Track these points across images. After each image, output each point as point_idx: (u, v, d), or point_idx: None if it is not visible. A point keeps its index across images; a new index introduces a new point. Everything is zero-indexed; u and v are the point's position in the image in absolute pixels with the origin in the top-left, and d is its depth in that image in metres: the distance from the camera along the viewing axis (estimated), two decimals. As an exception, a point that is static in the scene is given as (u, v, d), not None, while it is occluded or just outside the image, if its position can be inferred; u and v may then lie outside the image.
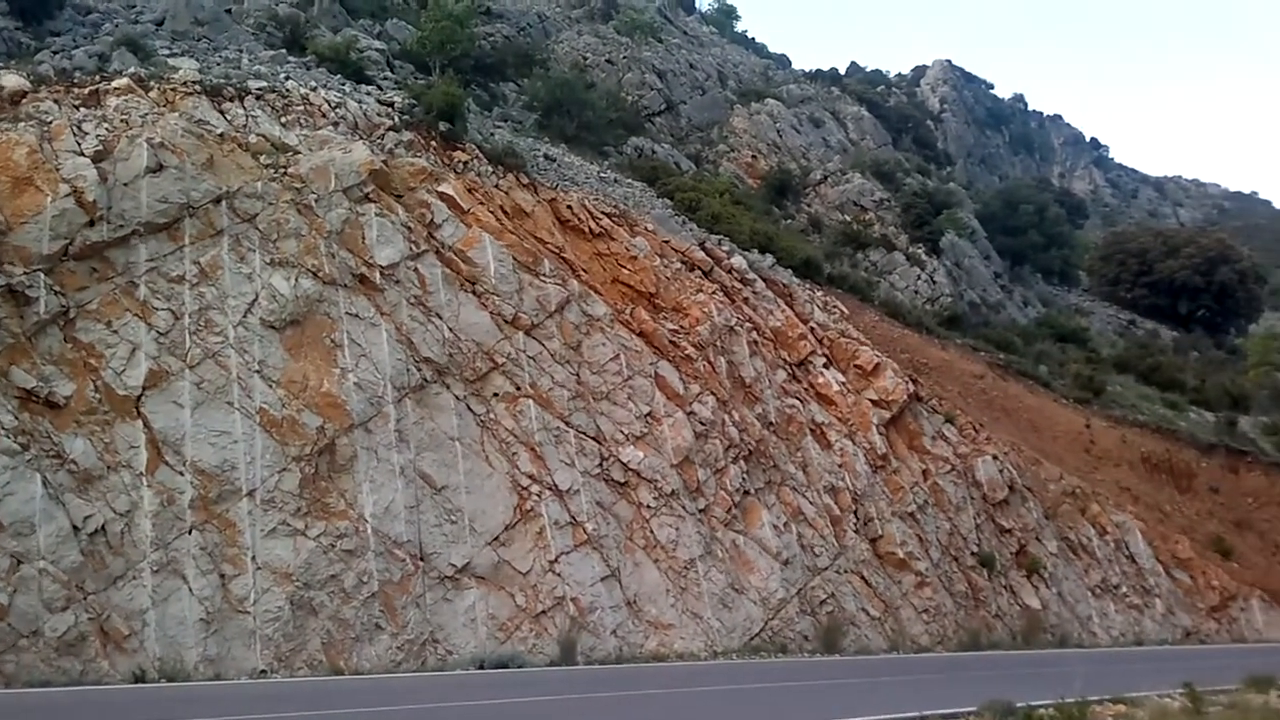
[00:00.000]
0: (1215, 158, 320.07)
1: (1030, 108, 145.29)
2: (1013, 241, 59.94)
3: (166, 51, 25.38)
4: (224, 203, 20.10)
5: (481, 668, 17.17)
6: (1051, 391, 39.06)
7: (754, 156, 52.24)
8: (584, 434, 22.32)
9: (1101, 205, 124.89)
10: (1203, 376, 52.59)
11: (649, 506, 22.34)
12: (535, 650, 19.05)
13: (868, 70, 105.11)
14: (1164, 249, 70.11)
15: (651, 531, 22.08)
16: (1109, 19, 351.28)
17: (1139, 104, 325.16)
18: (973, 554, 28.39)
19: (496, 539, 19.96)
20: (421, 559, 19.00)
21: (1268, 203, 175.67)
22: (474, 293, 22.37)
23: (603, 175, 33.47)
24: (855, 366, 30.09)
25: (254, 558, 17.38)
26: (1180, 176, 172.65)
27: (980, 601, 27.70)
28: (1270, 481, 42.10)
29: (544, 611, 19.74)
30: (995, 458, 31.00)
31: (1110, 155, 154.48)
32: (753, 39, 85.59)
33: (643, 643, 20.62)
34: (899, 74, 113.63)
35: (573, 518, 21.07)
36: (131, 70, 22.47)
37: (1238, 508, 39.96)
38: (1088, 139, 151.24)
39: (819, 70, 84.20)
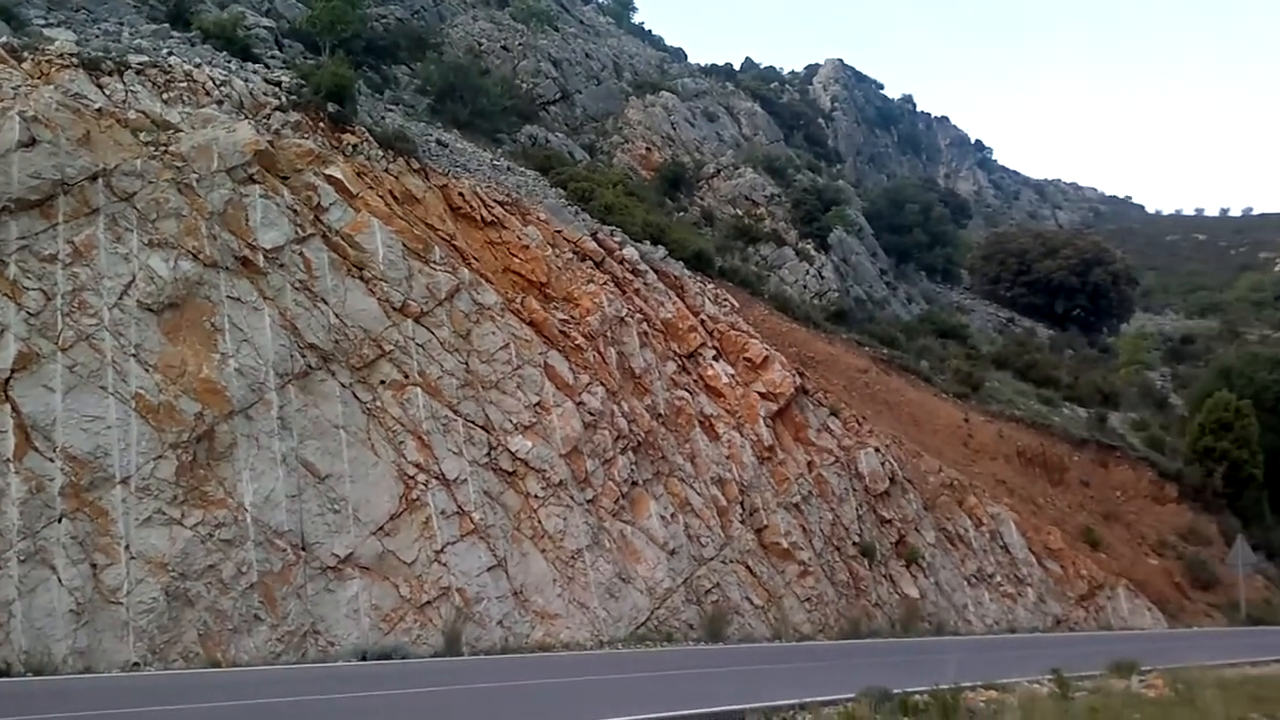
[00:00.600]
0: (1093, 162, 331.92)
1: (918, 109, 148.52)
2: (898, 239, 61.36)
3: (42, 21, 24.45)
4: (100, 180, 19.40)
5: (364, 659, 16.92)
6: (932, 386, 40.09)
7: (648, 148, 52.48)
8: (472, 423, 22.16)
9: (984, 206, 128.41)
10: (1076, 374, 54.54)
11: (537, 496, 22.29)
12: (420, 641, 18.85)
13: (762, 67, 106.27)
14: (1043, 250, 72.49)
15: (539, 521, 22.04)
16: (996, 24, 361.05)
17: (1022, 108, 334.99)
18: (854, 544, 28.97)
19: (381, 529, 19.69)
20: (303, 549, 18.65)
21: (1141, 207, 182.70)
22: (362, 278, 22.01)
23: (496, 163, 33.26)
24: (744, 359, 30.46)
25: (127, 547, 16.84)
26: (1060, 180, 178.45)
27: (861, 590, 28.29)
28: (1137, 475, 43.88)
29: (429, 602, 19.54)
30: (877, 450, 31.68)
31: (994, 157, 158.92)
32: (649, 31, 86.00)
33: (529, 633, 20.57)
34: (792, 72, 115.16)
35: (460, 507, 20.91)
36: (3, 40, 21.57)
37: (1107, 500, 41.57)
38: (973, 141, 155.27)
39: (714, 65, 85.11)
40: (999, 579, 32.77)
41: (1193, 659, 16.65)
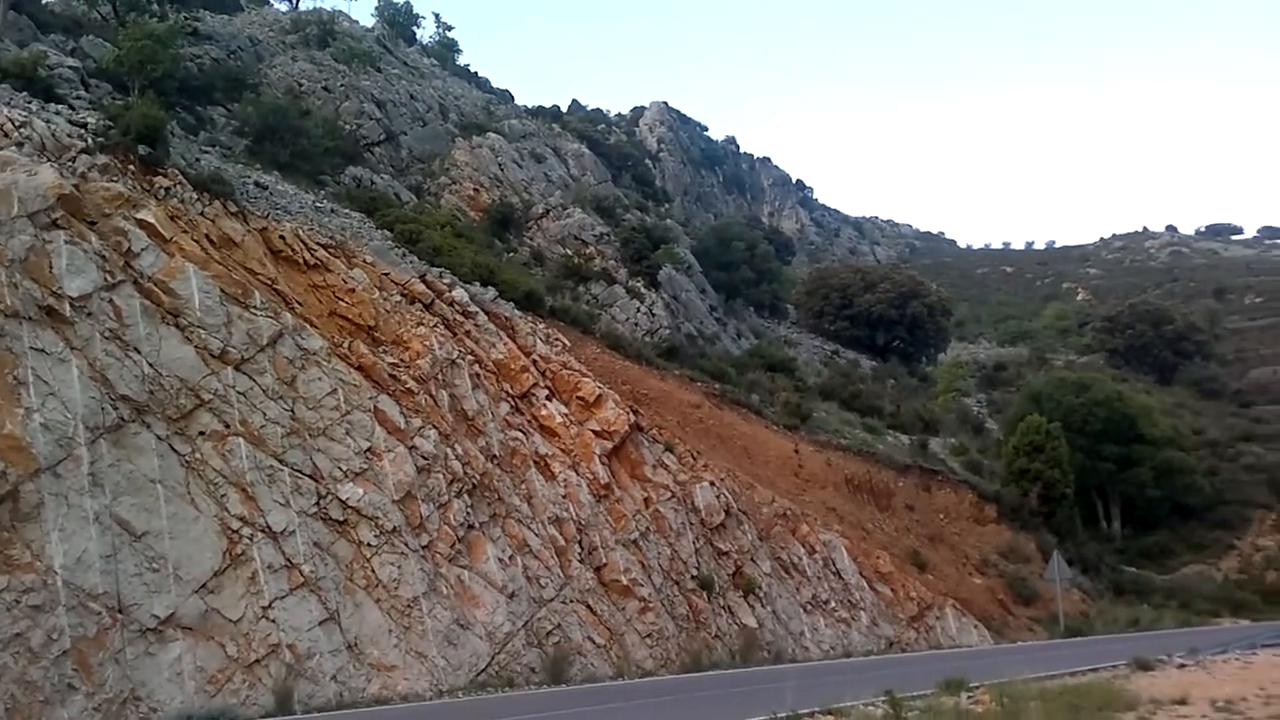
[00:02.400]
0: (908, 200, 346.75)
1: (741, 150, 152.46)
2: (726, 276, 62.62)
3: None
4: (-115, 227, 18.13)
5: (188, 724, 16.11)
6: (763, 419, 40.89)
7: (476, 189, 52.23)
8: (300, 472, 21.45)
9: (807, 243, 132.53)
10: (898, 402, 56.54)
11: (370, 545, 21.69)
12: (249, 702, 18.06)
13: (588, 109, 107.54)
14: (863, 284, 75.14)
15: (373, 570, 21.44)
16: (814, 68, 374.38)
17: (840, 149, 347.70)
18: (693, 577, 29.18)
19: (204, 586, 18.82)
20: (120, 611, 17.66)
21: (953, 242, 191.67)
22: (177, 326, 21.13)
23: (319, 205, 32.51)
24: (578, 398, 30.45)
25: (-78, 620, 15.64)
26: (877, 217, 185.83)
27: (701, 623, 28.48)
28: (959, 498, 45.67)
29: (258, 660, 18.75)
30: (712, 484, 32.07)
31: (815, 196, 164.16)
32: (475, 73, 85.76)
33: (365, 686, 19.94)
34: (619, 114, 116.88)
35: (288, 560, 20.16)
36: None
37: (931, 523, 43.09)
38: (794, 180, 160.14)
39: (541, 107, 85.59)
40: (833, 604, 33.49)
41: (1017, 673, 17.30)
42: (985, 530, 45.25)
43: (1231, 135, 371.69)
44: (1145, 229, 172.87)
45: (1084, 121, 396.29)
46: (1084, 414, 56.48)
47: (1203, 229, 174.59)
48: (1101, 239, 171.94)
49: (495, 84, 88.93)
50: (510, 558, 24.40)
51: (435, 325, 27.47)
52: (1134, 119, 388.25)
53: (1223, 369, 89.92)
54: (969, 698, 17.07)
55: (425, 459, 23.88)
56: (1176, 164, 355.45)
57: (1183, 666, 22.98)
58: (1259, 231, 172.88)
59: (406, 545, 22.25)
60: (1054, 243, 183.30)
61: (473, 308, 29.97)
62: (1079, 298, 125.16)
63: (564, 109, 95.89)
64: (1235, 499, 62.41)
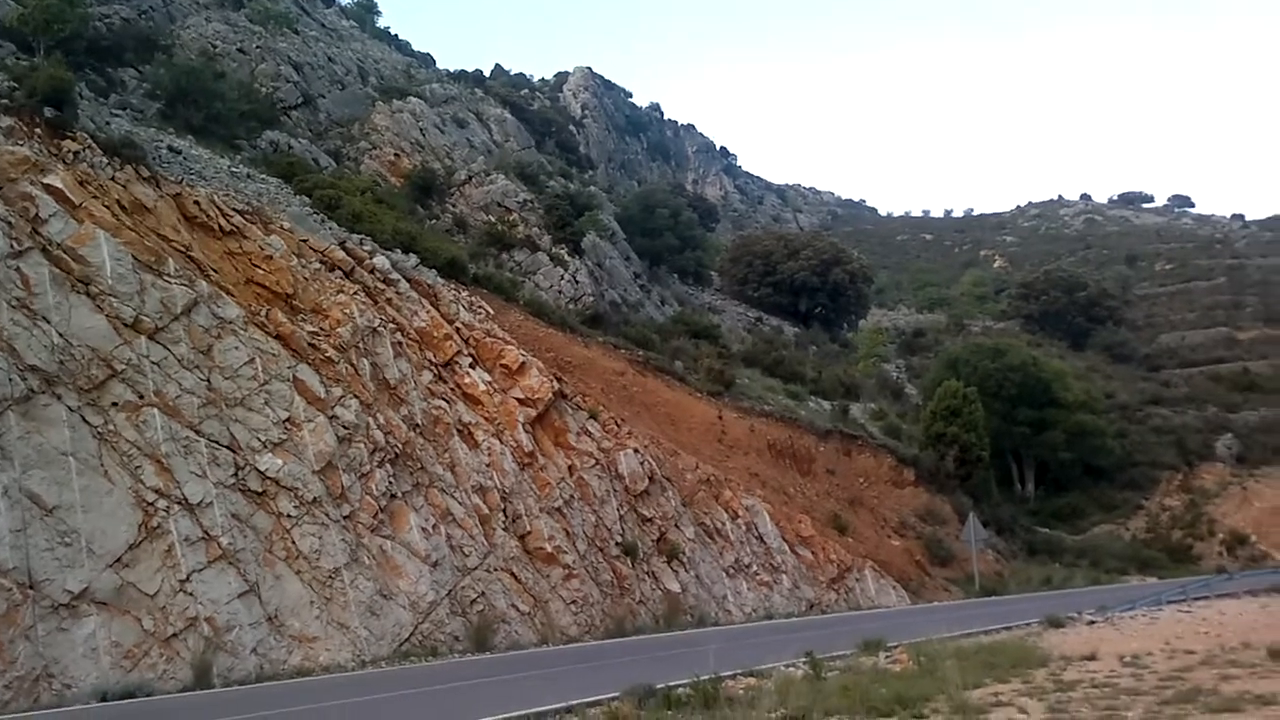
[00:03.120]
0: (830, 168, 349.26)
1: (666, 116, 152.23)
2: (650, 243, 62.61)
3: None
4: None
5: (104, 700, 15.88)
6: (687, 386, 41.07)
7: (397, 155, 51.51)
8: (217, 443, 21.11)
9: (731, 210, 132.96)
10: (820, 368, 57.18)
11: (290, 516, 21.45)
12: (166, 676, 17.81)
13: (511, 74, 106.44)
14: (786, 251, 75.66)
15: (293, 542, 21.22)
16: (738, 35, 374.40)
17: (764, 116, 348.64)
18: (617, 544, 29.35)
19: (119, 560, 18.48)
20: (31, 587, 17.27)
21: (874, 210, 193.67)
22: (88, 294, 20.61)
23: (234, 170, 31.81)
24: (501, 366, 30.32)
25: None
26: (800, 184, 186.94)
27: (625, 589, 28.67)
28: (878, 462, 46.42)
29: (175, 634, 18.48)
30: (636, 451, 32.20)
31: (739, 164, 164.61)
32: (395, 36, 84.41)
33: (286, 659, 19.77)
34: (542, 79, 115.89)
35: (205, 532, 19.87)
36: None
37: (851, 487, 43.76)
38: (718, 148, 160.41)
39: (463, 71, 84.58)
40: (755, 568, 33.91)
41: (933, 632, 17.66)
42: (904, 493, 46.09)
43: (1143, 105, 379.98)
44: (1060, 197, 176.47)
45: (1002, 91, 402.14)
46: (999, 379, 57.71)
47: (1115, 197, 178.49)
48: (1018, 207, 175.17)
49: (416, 47, 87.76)
50: (434, 527, 24.31)
51: (356, 293, 27.13)
52: (1049, 89, 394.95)
53: (1133, 334, 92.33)
54: (887, 657, 17.46)
55: (346, 428, 23.64)
56: (1091, 133, 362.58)
57: (1092, 624, 23.71)
58: (1169, 200, 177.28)
59: (328, 516, 22.05)
60: (972, 210, 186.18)
61: (394, 275, 29.63)
62: (996, 265, 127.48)
63: (487, 74, 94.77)
64: (1144, 460, 64.41)
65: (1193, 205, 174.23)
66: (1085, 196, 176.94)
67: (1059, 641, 19.48)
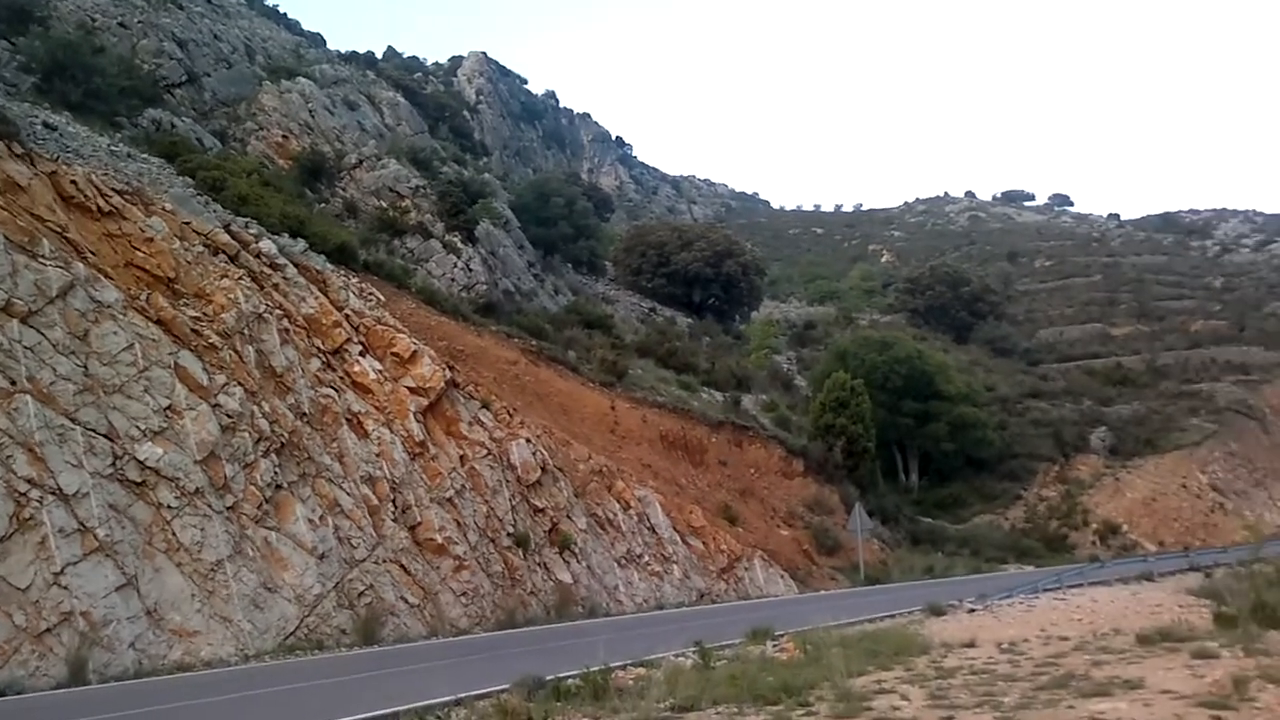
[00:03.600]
0: (724, 160, 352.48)
1: (561, 105, 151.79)
2: (545, 232, 62.36)
3: None
4: None
5: (-29, 698, 15.23)
6: (580, 376, 41.07)
7: (285, 136, 50.35)
8: (94, 431, 20.39)
9: (626, 200, 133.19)
10: (713, 360, 57.70)
11: (170, 507, 20.83)
12: (39, 673, 17.15)
13: (405, 57, 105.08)
14: (680, 242, 76.12)
15: (173, 533, 20.62)
16: (635, 26, 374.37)
17: (660, 107, 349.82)
18: (509, 535, 29.20)
19: (-12, 553, 17.73)
20: (-110, 582, 16.49)
21: (767, 203, 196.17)
22: (-45, 276, 19.71)
23: (114, 149, 30.68)
24: (392, 354, 29.89)
25: None
26: (695, 176, 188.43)
27: (516, 580, 28.56)
28: (769, 453, 47.04)
29: (49, 629, 17.79)
30: (529, 441, 32.08)
31: (634, 154, 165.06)
32: (284, 14, 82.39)
33: (165, 653, 19.21)
34: (436, 63, 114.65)
35: (81, 524, 19.17)
36: None
37: (742, 478, 44.28)
38: (614, 137, 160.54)
39: (354, 53, 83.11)
40: (647, 559, 34.09)
41: (819, 621, 17.96)
42: (793, 484, 46.81)
43: (1026, 106, 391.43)
44: (946, 194, 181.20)
45: (892, 90, 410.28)
46: (886, 371, 59.02)
47: (999, 195, 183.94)
48: (906, 203, 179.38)
49: (306, 26, 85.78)
50: (320, 518, 23.87)
51: (241, 278, 26.44)
52: (937, 89, 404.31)
53: (1014, 329, 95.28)
54: (774, 646, 17.72)
55: (230, 417, 23.06)
56: (976, 132, 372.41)
57: (972, 611, 24.42)
58: (1050, 199, 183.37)
59: (210, 507, 21.47)
60: (861, 206, 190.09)
61: (281, 260, 28.95)
62: (884, 259, 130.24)
63: (379, 56, 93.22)
64: (1022, 452, 66.58)
65: (1072, 204, 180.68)
66: (970, 194, 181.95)
67: (940, 629, 20.00)
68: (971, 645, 16.56)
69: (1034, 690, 11.66)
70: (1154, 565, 39.59)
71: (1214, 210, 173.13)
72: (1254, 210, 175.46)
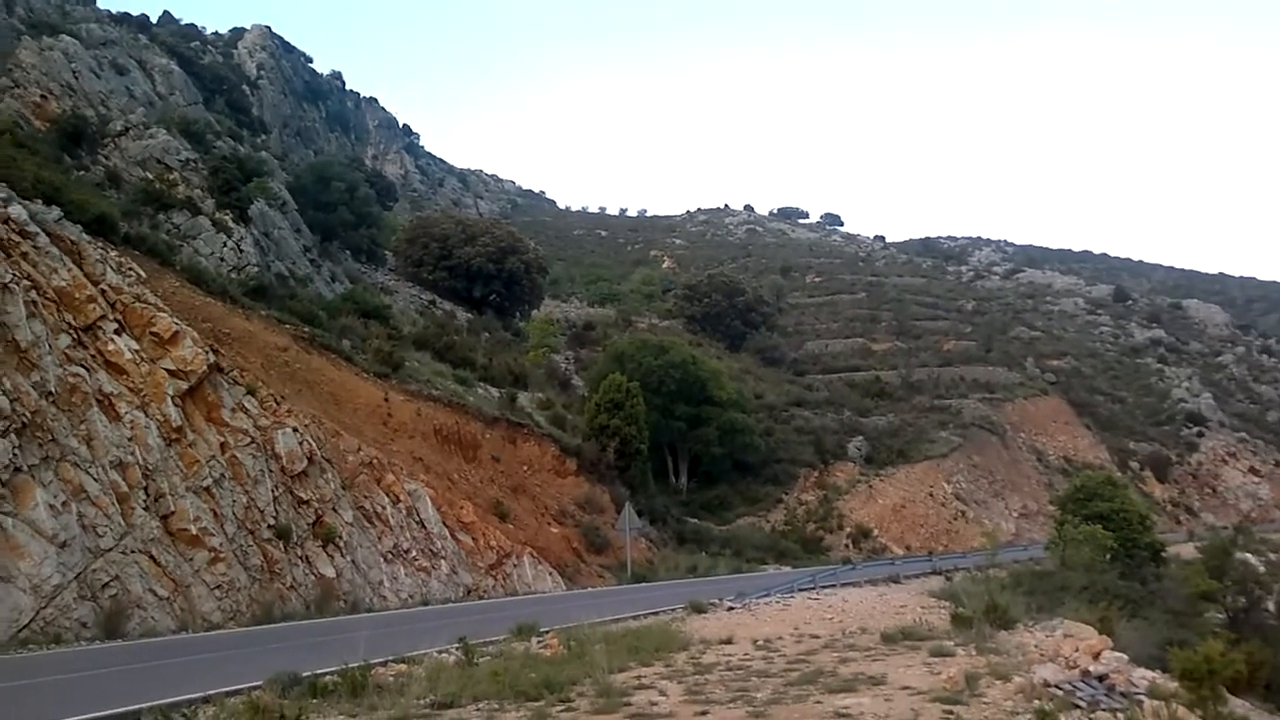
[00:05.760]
0: (512, 156, 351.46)
1: (348, 87, 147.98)
2: (324, 217, 60.70)
3: None
4: None
5: None
6: (354, 365, 40.05)
7: (44, 96, 47.10)
8: None
9: (411, 190, 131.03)
10: (491, 355, 57.48)
11: (-110, 488, 19.14)
12: None
13: (182, 23, 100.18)
14: (463, 236, 75.46)
15: (-108, 517, 18.94)
16: (427, 10, 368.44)
17: (449, 98, 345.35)
18: (270, 526, 28.18)
19: None
20: None
21: (553, 202, 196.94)
22: None
23: None
24: (151, 334, 28.34)
25: None
26: (482, 170, 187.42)
27: (276, 574, 27.59)
28: (542, 450, 47.19)
29: None
30: (295, 430, 31.06)
31: (421, 143, 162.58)
32: (47, -34, 76.93)
33: (-124, 647, 17.64)
34: (216, 33, 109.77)
35: None
36: None
37: (515, 474, 44.25)
38: (401, 125, 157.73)
39: (126, 14, 78.64)
40: (414, 554, 33.59)
41: (585, 618, 18.19)
42: (565, 482, 47.12)
43: (804, 128, 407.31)
44: (727, 206, 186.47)
45: (680, 102, 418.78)
46: (661, 375, 60.26)
47: (775, 211, 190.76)
48: (688, 212, 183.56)
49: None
50: (63, 504, 22.38)
51: (-16, 244, 24.53)
52: (724, 104, 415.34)
53: (783, 340, 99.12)
54: (539, 642, 17.83)
55: (-35, 394, 21.36)
56: (757, 149, 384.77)
57: (732, 609, 25.22)
58: (822, 217, 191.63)
59: (-63, 489, 19.84)
60: (646, 212, 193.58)
61: (32, 227, 26.97)
62: (664, 265, 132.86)
63: (154, 20, 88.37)
64: (786, 458, 69.33)
65: (842, 224, 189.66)
66: (749, 208, 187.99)
67: (701, 626, 20.60)
68: (729, 642, 17.15)
69: (785, 686, 12.18)
70: (901, 568, 42.04)
71: (970, 238, 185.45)
72: (1005, 240, 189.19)
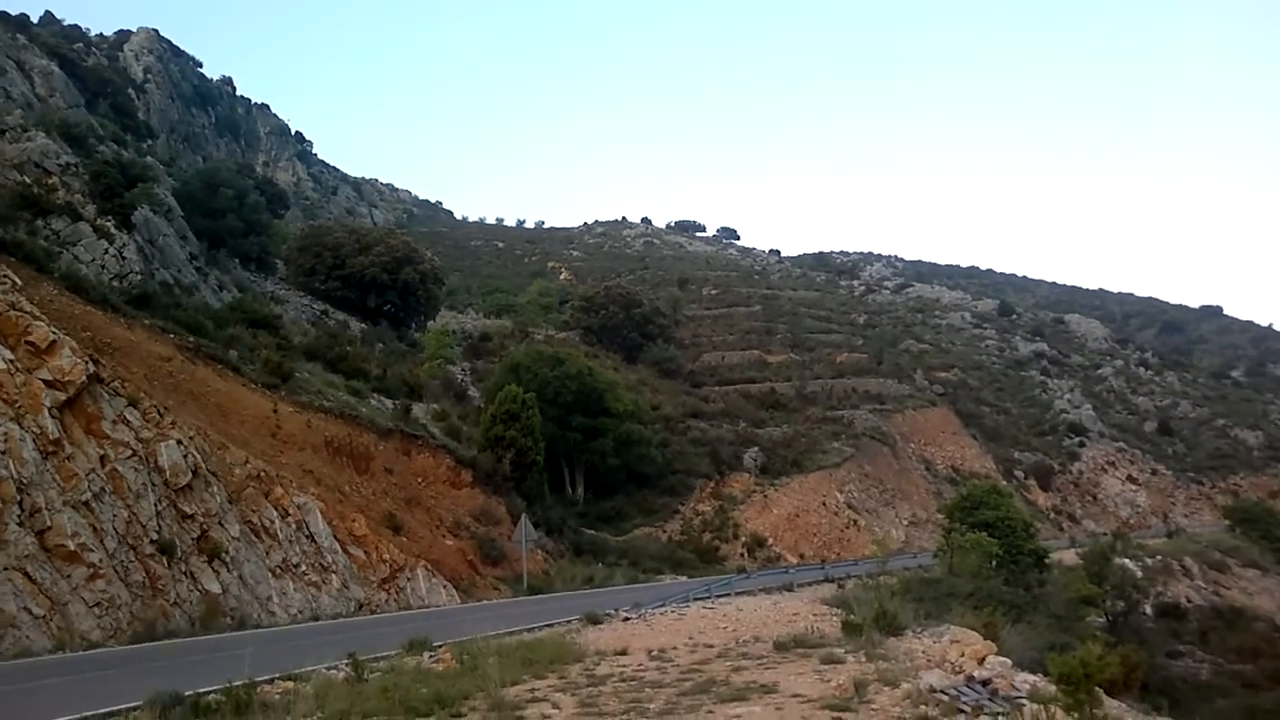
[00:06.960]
0: (409, 166, 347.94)
1: (239, 93, 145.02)
2: (212, 224, 59.22)
3: None
4: None
5: None
6: (241, 376, 39.07)
7: (-89, 95, 45.08)
8: None
9: (303, 198, 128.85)
10: (385, 366, 56.68)
11: None
12: None
13: (65, 24, 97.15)
14: (357, 245, 74.39)
15: None
16: (320, 19, 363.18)
17: (343, 105, 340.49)
18: (152, 542, 27.31)
19: None
20: None
21: (450, 212, 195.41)
22: None
23: None
24: (27, 343, 27.30)
25: None
26: (377, 179, 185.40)
27: (159, 590, 26.75)
28: (437, 462, 46.65)
29: None
30: (180, 442, 30.18)
31: (314, 151, 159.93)
32: (-82, -40, 73.95)
33: None
34: (100, 34, 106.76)
35: None
36: None
37: (409, 487, 43.64)
38: (294, 132, 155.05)
39: (5, 13, 75.56)
40: (304, 568, 32.89)
41: (480, 631, 18.04)
42: (461, 494, 46.62)
43: (700, 141, 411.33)
44: (624, 219, 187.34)
45: (579, 111, 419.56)
46: (557, 386, 60.12)
47: (673, 224, 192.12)
48: (585, 224, 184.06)
49: (-55, -23, 77.39)
50: (-70, 520, 21.43)
51: None
52: (622, 113, 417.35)
53: (680, 352, 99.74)
54: (431, 657, 17.60)
55: None
56: (655, 162, 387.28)
57: (627, 620, 25.25)
58: (718, 231, 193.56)
59: None
60: (543, 223, 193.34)
61: (-102, 232, 25.87)
62: (562, 277, 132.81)
63: (34, 20, 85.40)
64: (682, 469, 69.76)
65: (738, 238, 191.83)
66: (646, 220, 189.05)
67: (596, 637, 20.55)
68: (624, 653, 17.14)
69: (678, 696, 12.21)
70: (795, 576, 42.55)
71: (862, 253, 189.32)
72: (896, 256, 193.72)
